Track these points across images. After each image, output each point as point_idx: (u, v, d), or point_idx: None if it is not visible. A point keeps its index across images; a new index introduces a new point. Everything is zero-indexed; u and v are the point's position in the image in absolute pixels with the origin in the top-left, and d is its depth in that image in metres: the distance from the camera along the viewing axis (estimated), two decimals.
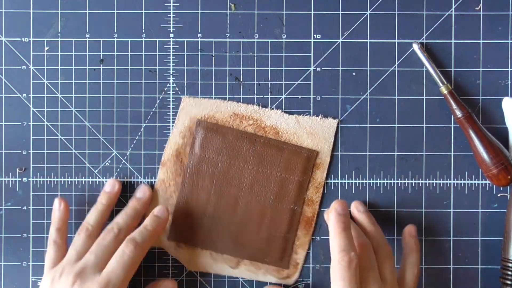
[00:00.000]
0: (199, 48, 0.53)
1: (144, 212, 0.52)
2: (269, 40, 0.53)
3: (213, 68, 0.53)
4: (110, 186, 0.52)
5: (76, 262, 0.47)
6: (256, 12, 0.53)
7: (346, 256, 0.45)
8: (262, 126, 0.52)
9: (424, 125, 0.53)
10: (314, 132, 0.52)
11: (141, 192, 0.52)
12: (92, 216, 0.50)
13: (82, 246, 0.49)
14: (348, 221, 0.48)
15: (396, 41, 0.53)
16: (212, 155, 0.52)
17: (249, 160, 0.52)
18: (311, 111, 0.53)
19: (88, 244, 0.49)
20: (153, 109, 0.53)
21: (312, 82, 0.53)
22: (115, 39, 0.53)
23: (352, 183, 0.53)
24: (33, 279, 0.53)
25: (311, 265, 0.53)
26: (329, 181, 0.53)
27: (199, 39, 0.53)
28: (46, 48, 0.53)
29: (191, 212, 0.52)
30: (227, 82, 0.53)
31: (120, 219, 0.50)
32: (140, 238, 0.48)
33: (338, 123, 0.52)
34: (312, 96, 0.53)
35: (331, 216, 0.48)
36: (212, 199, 0.52)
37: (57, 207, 0.51)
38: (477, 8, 0.53)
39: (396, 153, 0.53)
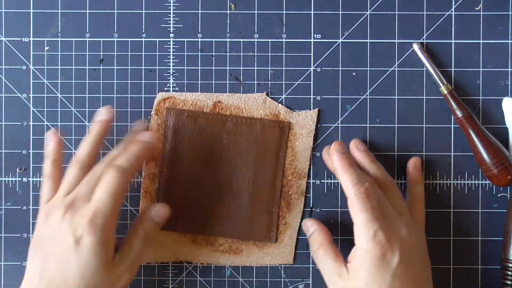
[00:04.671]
0: (199, 48, 0.53)
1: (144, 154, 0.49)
2: (269, 40, 0.53)
3: (213, 68, 0.53)
4: (102, 114, 0.49)
5: (68, 194, 0.46)
6: (256, 12, 0.53)
7: (362, 187, 0.45)
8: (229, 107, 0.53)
9: (424, 125, 0.53)
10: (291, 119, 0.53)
11: (139, 126, 0.51)
12: (83, 148, 0.48)
13: (74, 179, 0.47)
14: (351, 158, 0.48)
15: (396, 41, 0.53)
16: (186, 140, 0.52)
17: (223, 140, 0.52)
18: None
19: (80, 176, 0.47)
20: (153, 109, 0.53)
21: (312, 82, 0.53)
22: (115, 39, 0.53)
23: None
24: None
25: (311, 265, 0.53)
26: (329, 181, 0.53)
27: (199, 39, 0.53)
28: (46, 48, 0.53)
29: (172, 199, 0.52)
30: (227, 82, 0.53)
31: (116, 151, 0.48)
32: (124, 163, 0.46)
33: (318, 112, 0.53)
34: (312, 96, 0.53)
35: (335, 157, 0.48)
36: (192, 183, 0.52)
37: (52, 138, 0.49)
38: (477, 8, 0.53)
39: (396, 153, 0.53)
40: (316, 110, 0.52)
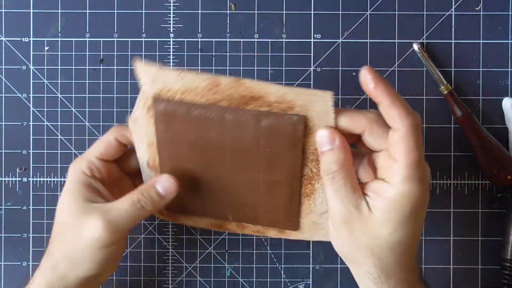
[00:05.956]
0: (199, 48, 0.53)
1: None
2: (269, 40, 0.53)
3: (213, 68, 0.53)
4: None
5: None
6: (256, 12, 0.53)
7: (418, 118, 0.37)
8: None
9: (424, 125, 0.53)
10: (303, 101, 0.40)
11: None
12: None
13: None
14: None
15: (396, 41, 0.53)
16: (180, 137, 0.43)
17: (223, 137, 0.42)
18: None
19: None
20: None
21: (312, 82, 0.53)
22: (115, 39, 0.53)
23: None
24: None
25: (311, 265, 0.53)
26: None
27: (199, 39, 0.53)
28: (46, 48, 0.53)
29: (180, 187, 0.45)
30: None
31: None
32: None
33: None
34: None
35: (381, 85, 0.37)
36: (198, 180, 0.45)
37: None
38: (477, 8, 0.53)
39: None
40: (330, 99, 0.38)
